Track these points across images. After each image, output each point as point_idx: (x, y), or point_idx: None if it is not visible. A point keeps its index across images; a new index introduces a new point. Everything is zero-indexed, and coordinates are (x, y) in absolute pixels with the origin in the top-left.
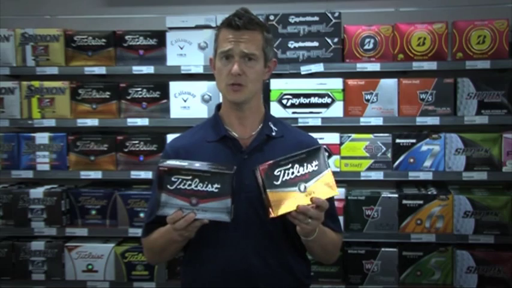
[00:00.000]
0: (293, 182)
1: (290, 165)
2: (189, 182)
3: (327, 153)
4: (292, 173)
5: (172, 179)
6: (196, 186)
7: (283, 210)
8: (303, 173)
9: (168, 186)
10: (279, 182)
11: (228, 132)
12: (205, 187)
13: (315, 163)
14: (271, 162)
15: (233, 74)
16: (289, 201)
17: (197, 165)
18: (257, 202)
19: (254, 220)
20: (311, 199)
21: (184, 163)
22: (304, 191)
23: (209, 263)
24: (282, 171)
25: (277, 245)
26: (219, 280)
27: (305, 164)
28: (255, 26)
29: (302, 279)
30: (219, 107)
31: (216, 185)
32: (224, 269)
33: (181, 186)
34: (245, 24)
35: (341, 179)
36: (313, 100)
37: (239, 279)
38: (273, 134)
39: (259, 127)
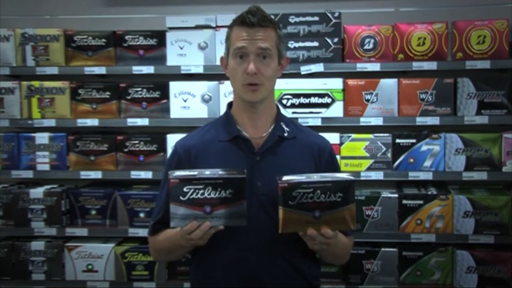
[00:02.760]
0: (309, 207)
1: (312, 189)
2: (202, 191)
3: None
4: (311, 197)
5: (185, 189)
6: (209, 194)
7: (290, 229)
8: (323, 200)
9: (181, 198)
10: (294, 203)
11: (240, 132)
12: (219, 194)
13: (339, 194)
14: (293, 182)
15: (249, 73)
16: (299, 223)
17: (207, 172)
18: (269, 205)
19: (266, 222)
20: (321, 230)
21: (194, 172)
22: (318, 218)
23: (220, 264)
24: (301, 194)
25: (288, 247)
26: (230, 282)
27: (328, 193)
28: (268, 23)
29: (312, 280)
30: (230, 105)
31: (229, 191)
32: (235, 271)
33: (194, 196)
34: (259, 21)
35: None
36: (313, 100)
37: (250, 281)
38: (285, 134)
39: (271, 128)
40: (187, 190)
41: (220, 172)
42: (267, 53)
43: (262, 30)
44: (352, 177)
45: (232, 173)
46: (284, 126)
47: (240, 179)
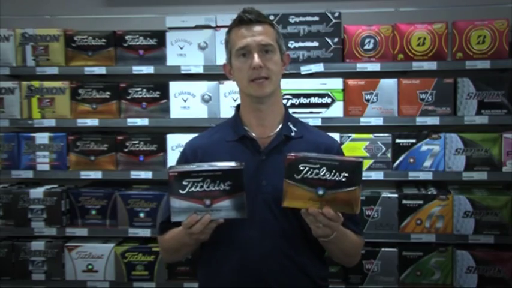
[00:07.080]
0: (313, 183)
1: (318, 165)
2: (201, 184)
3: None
4: (317, 174)
5: (184, 183)
6: (208, 187)
7: (292, 204)
8: (328, 179)
9: (180, 191)
10: (299, 177)
11: (247, 132)
12: (218, 186)
13: (345, 174)
14: (300, 155)
15: (255, 66)
16: (302, 199)
17: (206, 166)
18: (273, 203)
19: (270, 221)
20: (323, 209)
21: (193, 166)
22: (321, 196)
23: (225, 263)
24: (307, 168)
25: (293, 246)
26: (235, 280)
27: (334, 171)
28: (264, 19)
29: (317, 281)
30: (238, 107)
31: (228, 182)
32: (240, 270)
33: (193, 189)
34: (256, 18)
35: None
36: (313, 100)
37: (254, 280)
38: (292, 134)
39: (279, 127)
40: (186, 183)
41: (218, 165)
42: (269, 48)
43: (260, 26)
44: (360, 159)
45: (231, 165)
46: (291, 126)
47: (237, 170)
